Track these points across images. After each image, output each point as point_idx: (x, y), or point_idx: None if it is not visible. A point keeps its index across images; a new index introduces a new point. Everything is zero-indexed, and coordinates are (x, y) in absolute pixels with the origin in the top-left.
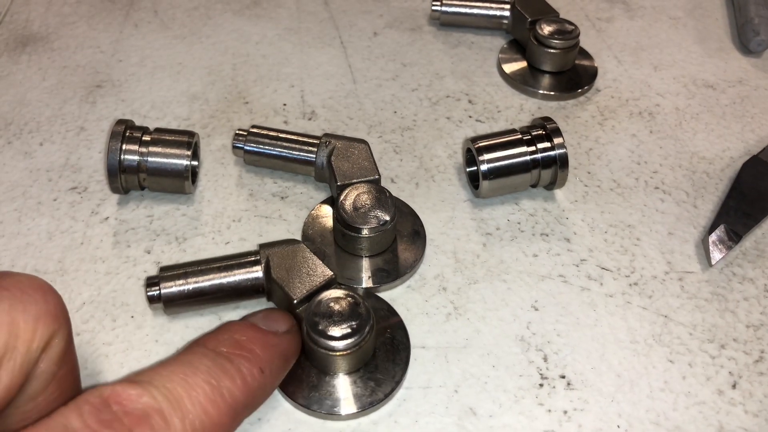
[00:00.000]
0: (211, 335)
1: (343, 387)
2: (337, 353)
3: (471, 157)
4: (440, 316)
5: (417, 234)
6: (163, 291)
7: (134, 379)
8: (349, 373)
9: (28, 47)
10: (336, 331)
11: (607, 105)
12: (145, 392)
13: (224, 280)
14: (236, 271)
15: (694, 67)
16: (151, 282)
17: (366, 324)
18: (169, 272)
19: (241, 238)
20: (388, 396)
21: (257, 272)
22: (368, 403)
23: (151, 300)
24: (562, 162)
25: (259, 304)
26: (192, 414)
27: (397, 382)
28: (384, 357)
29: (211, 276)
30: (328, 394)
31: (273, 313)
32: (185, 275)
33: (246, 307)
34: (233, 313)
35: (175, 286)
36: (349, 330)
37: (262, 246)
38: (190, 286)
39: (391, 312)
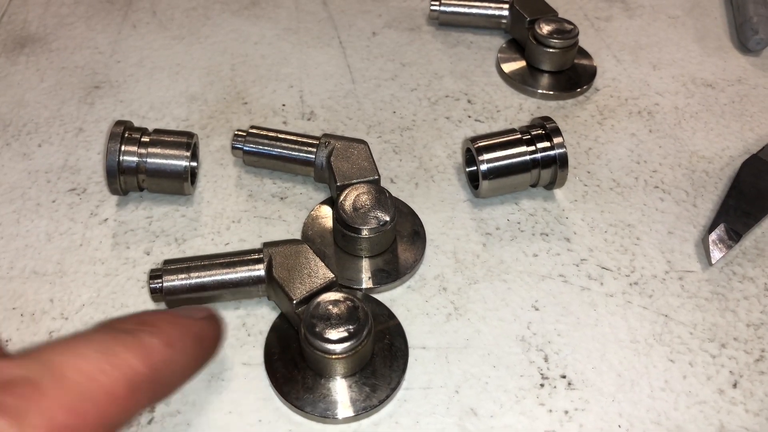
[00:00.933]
0: (119, 317)
1: (339, 390)
2: (334, 356)
3: (470, 156)
4: (440, 317)
5: (417, 234)
6: (165, 284)
7: (11, 353)
8: (345, 376)
9: (26, 48)
10: (333, 334)
11: (606, 104)
12: (16, 364)
13: (226, 277)
14: (239, 268)
15: (693, 66)
16: (154, 275)
17: (364, 328)
18: (173, 266)
19: (241, 239)
20: (383, 402)
21: (259, 270)
22: (362, 408)
23: (153, 292)
24: (561, 161)
25: (260, 302)
26: (74, 382)
27: (393, 389)
28: (381, 362)
29: (213, 272)
30: (322, 396)
31: (191, 307)
32: (188, 269)
33: (247, 306)
34: (233, 312)
35: (178, 279)
36: (346, 333)
37: (266, 244)
38: (192, 281)
39: (390, 317)
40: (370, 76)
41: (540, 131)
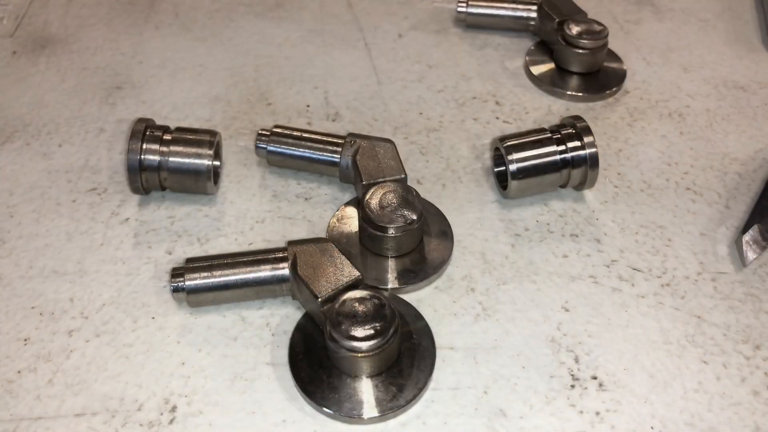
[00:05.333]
0: None
1: (365, 390)
2: (360, 354)
3: (499, 156)
4: (468, 317)
5: (444, 234)
6: (187, 283)
7: None
8: (371, 376)
9: (47, 49)
10: (359, 331)
11: (636, 106)
12: None
13: (250, 276)
14: (262, 267)
15: (725, 68)
16: (176, 273)
17: (390, 326)
18: (195, 264)
19: (265, 240)
20: (410, 402)
21: (284, 269)
22: (389, 408)
23: (175, 291)
24: (592, 161)
25: (284, 302)
26: None
27: (420, 389)
28: (408, 362)
29: (236, 270)
30: (348, 396)
31: None
32: (210, 268)
33: (271, 305)
34: (257, 312)
35: (200, 278)
36: (372, 331)
37: (290, 243)
38: (215, 280)
39: (417, 317)
40: (396, 77)
41: (570, 130)
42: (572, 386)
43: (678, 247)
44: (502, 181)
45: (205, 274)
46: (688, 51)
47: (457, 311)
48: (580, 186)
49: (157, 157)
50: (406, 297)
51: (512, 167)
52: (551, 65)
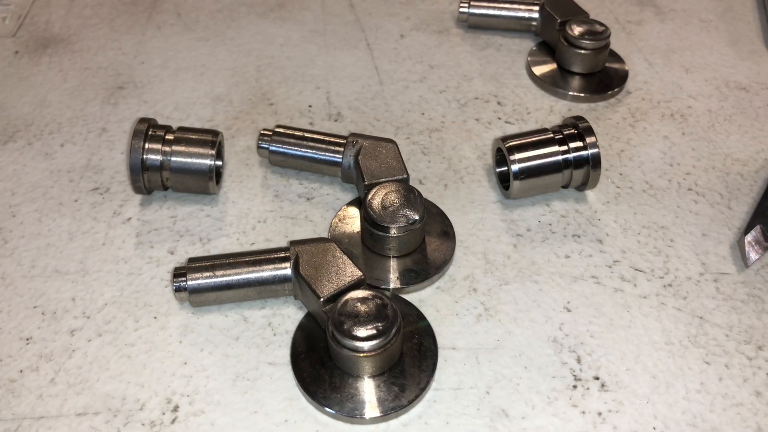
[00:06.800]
0: None
1: (367, 390)
2: (362, 354)
3: (501, 157)
4: (470, 317)
5: (446, 235)
6: (189, 282)
7: None
8: (373, 376)
9: (49, 49)
10: (361, 331)
11: (638, 107)
12: None
13: (252, 275)
14: (265, 267)
15: (727, 69)
16: (178, 273)
17: (393, 326)
18: (197, 264)
19: (267, 239)
20: (412, 402)
21: (286, 269)
22: (391, 408)
23: (177, 291)
24: (594, 161)
25: (286, 302)
26: None
27: (422, 389)
28: (410, 362)
29: (239, 270)
30: (350, 396)
31: None
32: (212, 268)
33: (273, 305)
34: (259, 312)
35: (202, 278)
36: (374, 331)
37: (293, 243)
38: (218, 279)
39: (419, 317)
40: (398, 77)
41: (572, 131)
42: (574, 387)
43: (680, 247)
44: (504, 181)
45: (207, 273)
46: (690, 52)
47: (459, 311)
48: (582, 186)
49: (159, 157)
50: (408, 297)
51: (514, 167)
52: (553, 66)
